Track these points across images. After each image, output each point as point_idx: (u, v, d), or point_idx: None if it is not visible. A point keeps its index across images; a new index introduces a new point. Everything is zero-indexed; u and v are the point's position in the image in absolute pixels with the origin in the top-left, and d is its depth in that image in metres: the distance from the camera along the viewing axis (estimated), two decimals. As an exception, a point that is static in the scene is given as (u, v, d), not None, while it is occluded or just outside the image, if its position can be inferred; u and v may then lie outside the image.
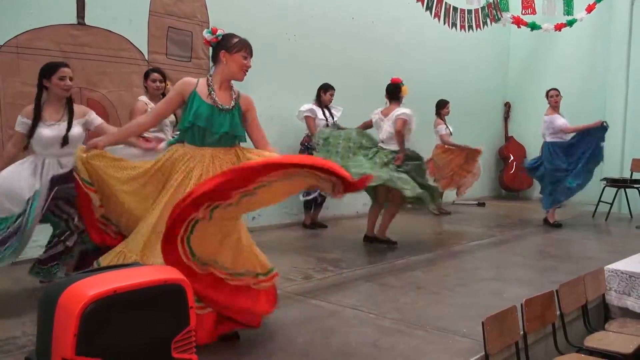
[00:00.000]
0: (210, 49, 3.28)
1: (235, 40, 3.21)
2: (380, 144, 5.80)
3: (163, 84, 5.01)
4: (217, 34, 3.21)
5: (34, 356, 2.24)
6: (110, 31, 5.40)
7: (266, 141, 3.38)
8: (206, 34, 3.22)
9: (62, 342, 2.04)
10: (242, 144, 3.33)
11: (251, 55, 3.25)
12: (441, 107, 8.00)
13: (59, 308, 2.09)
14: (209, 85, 3.21)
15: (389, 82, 5.90)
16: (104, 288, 2.11)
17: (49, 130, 3.79)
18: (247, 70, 3.26)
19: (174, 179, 3.12)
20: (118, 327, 2.13)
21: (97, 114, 5.23)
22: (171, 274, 2.38)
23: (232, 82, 3.29)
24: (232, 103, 3.23)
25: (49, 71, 3.81)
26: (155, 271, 2.39)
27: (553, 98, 7.31)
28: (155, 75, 5.03)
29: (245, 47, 3.21)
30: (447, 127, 8.02)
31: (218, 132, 3.15)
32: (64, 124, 3.86)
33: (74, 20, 5.17)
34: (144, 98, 5.02)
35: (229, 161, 3.18)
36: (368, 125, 6.09)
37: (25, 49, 4.82)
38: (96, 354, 2.06)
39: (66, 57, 5.05)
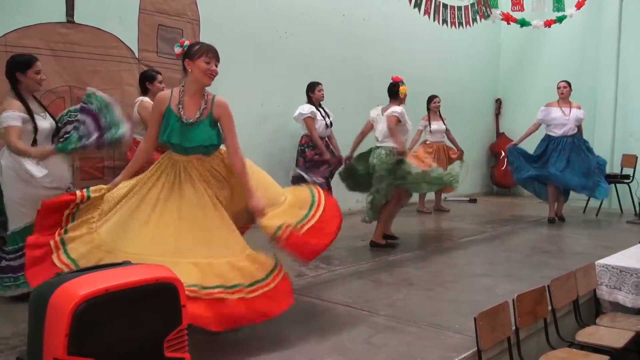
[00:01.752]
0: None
1: (196, 47, 3.25)
2: (377, 143, 5.68)
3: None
4: (184, 45, 3.24)
5: (25, 356, 2.23)
6: (100, 29, 5.37)
7: (235, 150, 3.28)
8: (176, 48, 3.25)
9: (54, 342, 2.03)
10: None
11: (216, 59, 3.26)
12: (428, 102, 8.01)
13: (50, 308, 2.08)
14: (179, 97, 3.24)
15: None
16: (95, 287, 2.10)
17: (45, 123, 3.75)
18: (212, 74, 3.24)
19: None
20: (110, 327, 2.12)
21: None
22: (163, 272, 2.37)
23: (207, 89, 3.31)
24: (198, 114, 3.21)
25: (24, 65, 3.72)
26: (146, 270, 2.38)
27: (560, 89, 7.34)
28: (161, 77, 5.15)
29: (206, 52, 3.23)
30: (429, 123, 7.95)
31: (190, 145, 3.20)
32: (48, 116, 3.82)
33: (63, 18, 5.13)
34: (147, 99, 5.02)
35: (203, 168, 3.26)
36: (366, 131, 5.94)
37: (14, 47, 4.77)
38: (88, 354, 2.05)
39: (56, 55, 5.04)
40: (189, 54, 3.22)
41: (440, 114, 8.04)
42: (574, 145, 7.27)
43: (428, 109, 8.01)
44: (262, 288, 3.06)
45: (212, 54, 3.23)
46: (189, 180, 3.20)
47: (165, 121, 3.22)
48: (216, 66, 3.25)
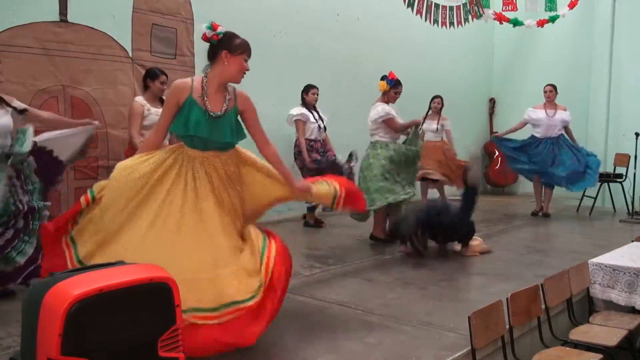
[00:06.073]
0: (209, 45, 3.12)
1: (238, 41, 3.11)
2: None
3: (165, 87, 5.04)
4: (218, 30, 3.06)
5: (18, 357, 2.23)
6: (93, 28, 5.35)
7: (265, 140, 3.28)
8: (206, 30, 3.06)
9: (47, 342, 2.02)
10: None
11: (250, 58, 3.17)
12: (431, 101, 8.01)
13: (43, 308, 2.07)
14: (203, 88, 3.06)
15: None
16: (89, 287, 2.09)
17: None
18: (245, 74, 3.16)
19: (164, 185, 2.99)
20: (104, 327, 2.12)
21: (81, 111, 5.24)
22: (157, 272, 2.36)
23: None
24: (224, 107, 3.08)
25: None
26: (140, 270, 2.37)
27: (546, 93, 7.83)
28: (164, 77, 5.09)
29: (247, 50, 3.14)
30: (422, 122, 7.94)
31: (221, 141, 3.06)
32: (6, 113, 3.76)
33: (56, 18, 5.12)
34: (140, 99, 5.02)
35: (225, 162, 3.12)
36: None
37: (7, 47, 4.76)
38: (82, 354, 2.04)
39: (49, 54, 5.02)
40: (229, 46, 3.06)
41: (439, 114, 8.01)
42: (558, 144, 7.71)
43: (429, 108, 8.02)
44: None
45: (250, 52, 3.16)
46: (207, 180, 3.04)
47: (186, 113, 3.01)
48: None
